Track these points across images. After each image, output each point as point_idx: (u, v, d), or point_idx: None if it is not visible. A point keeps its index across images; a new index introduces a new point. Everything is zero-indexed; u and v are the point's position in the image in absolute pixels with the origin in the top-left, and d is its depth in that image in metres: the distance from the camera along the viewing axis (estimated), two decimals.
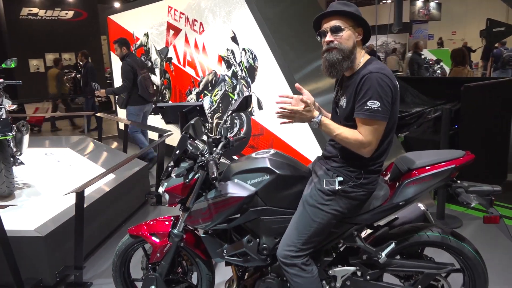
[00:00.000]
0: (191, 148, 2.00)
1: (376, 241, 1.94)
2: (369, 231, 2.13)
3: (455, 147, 3.95)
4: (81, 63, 8.69)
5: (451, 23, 16.05)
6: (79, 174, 4.14)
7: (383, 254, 1.86)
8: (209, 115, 4.90)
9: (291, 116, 1.75)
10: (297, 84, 1.85)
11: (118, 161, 3.62)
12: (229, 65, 4.48)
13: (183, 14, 5.05)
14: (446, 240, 1.88)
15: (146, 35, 5.95)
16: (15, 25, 14.07)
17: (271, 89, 4.01)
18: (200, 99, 5.03)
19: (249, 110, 4.34)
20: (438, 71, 9.63)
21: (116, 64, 7.06)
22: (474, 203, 1.81)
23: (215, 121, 4.83)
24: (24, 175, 4.36)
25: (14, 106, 3.58)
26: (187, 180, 1.84)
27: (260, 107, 4.17)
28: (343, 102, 1.84)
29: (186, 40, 5.10)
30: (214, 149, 2.05)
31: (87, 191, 3.17)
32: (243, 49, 4.24)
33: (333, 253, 2.01)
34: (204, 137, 2.14)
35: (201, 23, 4.78)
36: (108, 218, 3.44)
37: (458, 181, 1.92)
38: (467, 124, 3.93)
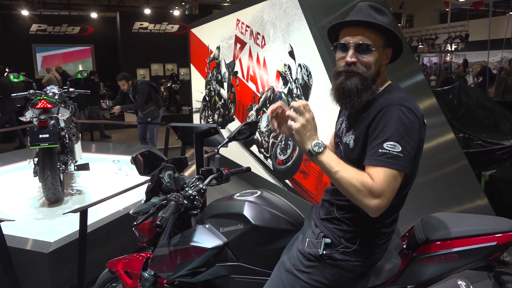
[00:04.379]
0: (166, 181, 1.73)
1: None
2: None
3: None
4: None
5: None
6: (128, 186, 4.14)
7: None
8: (266, 133, 4.60)
9: (295, 119, 1.27)
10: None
11: None
12: (285, 82, 4.14)
13: (249, 27, 4.85)
14: None
15: (218, 48, 5.90)
16: (127, 38, 15.52)
17: (323, 110, 3.56)
18: (259, 116, 4.77)
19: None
20: None
21: (197, 79, 7.15)
22: None
23: (271, 140, 4.52)
24: (84, 181, 4.56)
25: (66, 116, 3.71)
26: (135, 223, 1.56)
27: None
28: (349, 139, 1.40)
29: (250, 54, 4.89)
30: (198, 183, 1.75)
31: (108, 209, 3.12)
32: (299, 65, 3.87)
33: None
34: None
35: (263, 37, 4.52)
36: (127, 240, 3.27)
37: (507, 258, 1.35)
38: None
